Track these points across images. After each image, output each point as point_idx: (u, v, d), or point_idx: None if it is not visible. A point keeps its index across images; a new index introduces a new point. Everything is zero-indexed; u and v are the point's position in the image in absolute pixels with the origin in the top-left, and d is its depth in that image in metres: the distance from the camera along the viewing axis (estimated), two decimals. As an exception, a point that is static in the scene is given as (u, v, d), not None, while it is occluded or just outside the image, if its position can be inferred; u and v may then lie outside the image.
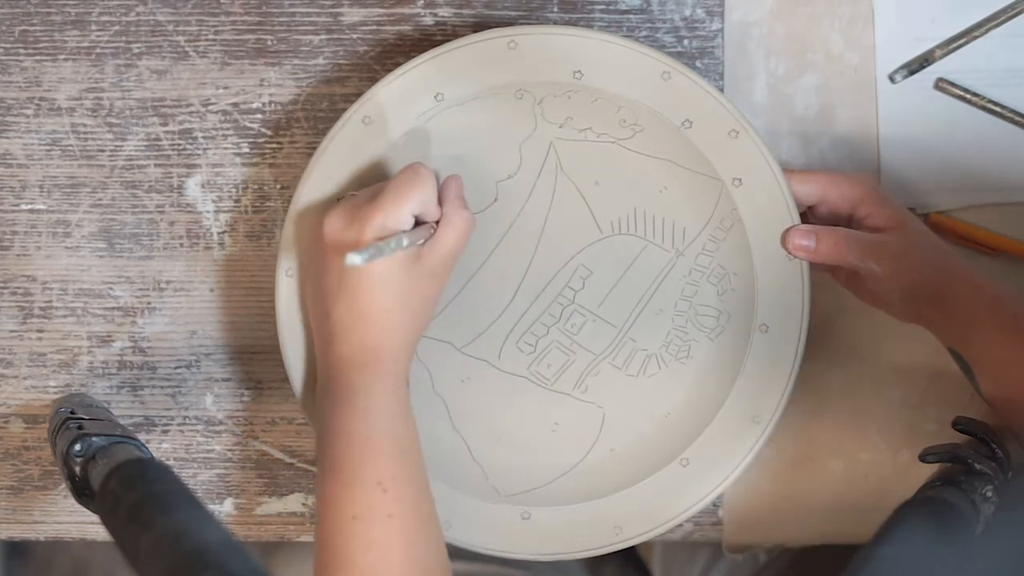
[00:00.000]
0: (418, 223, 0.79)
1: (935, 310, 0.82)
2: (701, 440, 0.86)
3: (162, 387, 0.91)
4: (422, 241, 0.78)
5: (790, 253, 0.83)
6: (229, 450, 0.92)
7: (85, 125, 0.90)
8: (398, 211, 0.77)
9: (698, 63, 0.90)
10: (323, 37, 0.90)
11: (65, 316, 0.91)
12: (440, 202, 0.80)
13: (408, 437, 0.79)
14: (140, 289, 0.91)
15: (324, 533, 0.76)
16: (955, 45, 0.90)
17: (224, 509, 0.92)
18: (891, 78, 0.90)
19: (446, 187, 0.81)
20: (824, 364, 0.90)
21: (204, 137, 0.90)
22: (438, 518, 0.79)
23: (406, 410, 0.79)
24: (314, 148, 0.85)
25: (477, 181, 0.86)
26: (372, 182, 0.84)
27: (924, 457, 0.86)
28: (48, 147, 0.90)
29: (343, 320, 0.78)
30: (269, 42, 0.90)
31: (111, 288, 0.91)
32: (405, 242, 0.76)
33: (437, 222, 0.80)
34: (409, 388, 0.80)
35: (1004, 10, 0.90)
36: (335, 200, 0.83)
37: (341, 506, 0.76)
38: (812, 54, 0.90)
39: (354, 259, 0.72)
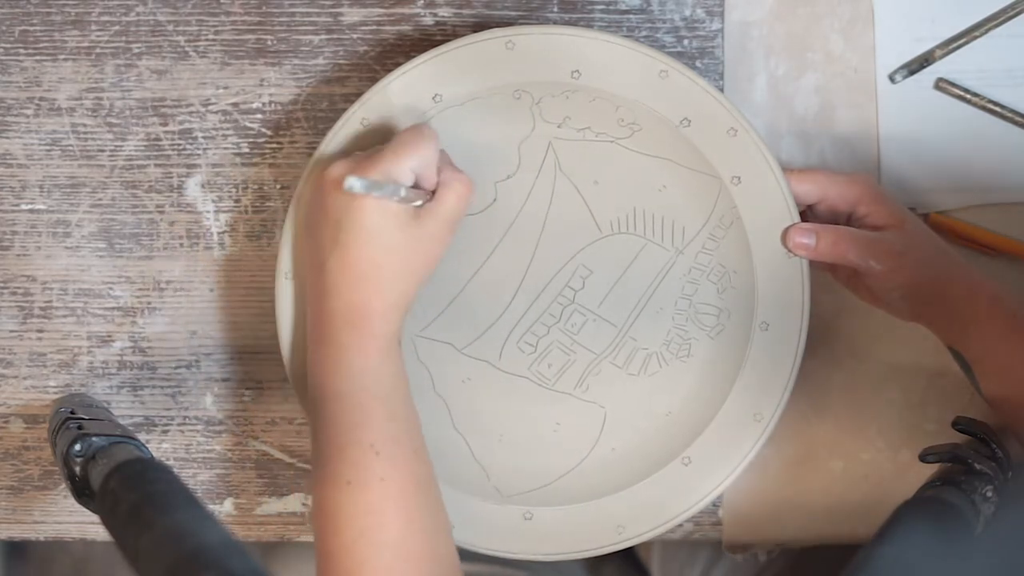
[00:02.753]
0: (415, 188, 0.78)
1: (935, 309, 0.82)
2: (702, 438, 0.86)
3: (162, 387, 0.91)
4: (419, 203, 0.78)
5: (790, 251, 0.83)
6: (229, 450, 0.92)
7: (85, 125, 0.90)
8: (399, 163, 0.76)
9: (698, 63, 0.90)
10: (323, 37, 0.90)
11: (65, 316, 0.91)
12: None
13: (400, 399, 0.78)
14: (140, 289, 0.91)
15: (319, 500, 0.76)
16: (955, 45, 0.90)
17: (224, 509, 0.92)
18: (891, 78, 0.90)
19: (441, 157, 0.80)
20: (824, 364, 0.90)
21: (204, 137, 0.90)
22: (436, 483, 0.78)
23: (398, 371, 0.78)
24: (314, 148, 0.85)
25: (476, 181, 0.85)
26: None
27: (924, 457, 0.86)
28: (48, 147, 0.90)
29: (334, 274, 0.77)
30: (269, 42, 0.90)
31: (111, 288, 0.91)
32: (403, 192, 0.75)
33: (433, 192, 0.79)
34: (401, 349, 0.79)
35: (1004, 10, 0.90)
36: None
37: (336, 470, 0.75)
38: (812, 54, 0.90)
39: (354, 183, 0.71)
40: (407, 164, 0.76)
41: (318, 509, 0.76)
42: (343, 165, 0.78)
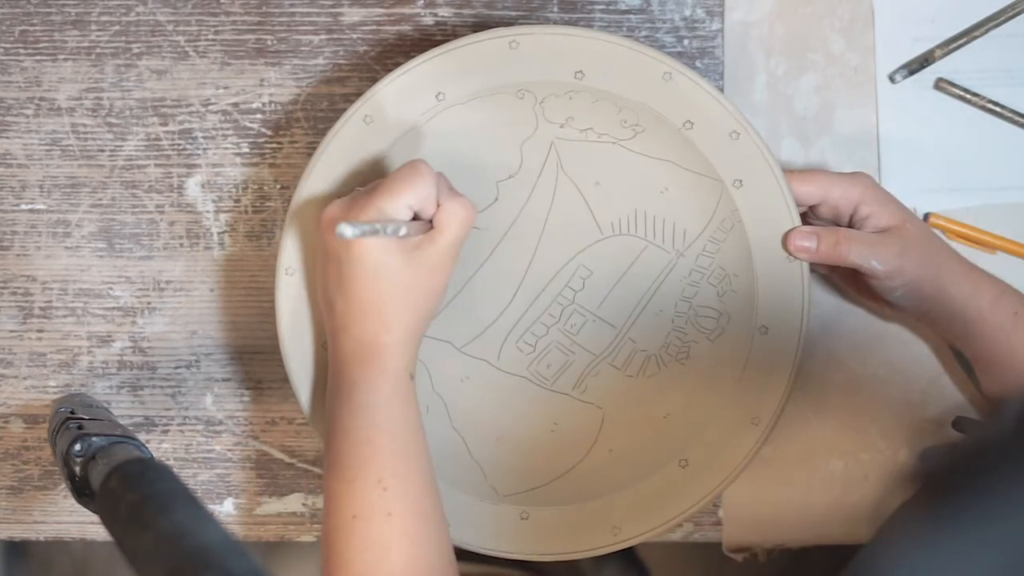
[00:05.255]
0: (415, 220, 0.78)
1: (936, 308, 0.82)
2: (700, 441, 0.86)
3: (162, 387, 0.91)
4: (418, 236, 0.78)
5: (791, 254, 0.83)
6: (229, 450, 0.92)
7: (85, 125, 0.90)
8: (395, 201, 0.76)
9: (698, 63, 0.90)
10: (323, 37, 0.90)
11: (65, 316, 0.91)
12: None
13: (410, 434, 0.78)
14: (140, 289, 0.91)
15: (327, 531, 0.77)
16: (955, 45, 0.90)
17: (224, 509, 0.92)
18: (891, 78, 0.90)
19: (439, 182, 0.80)
20: (824, 364, 0.90)
21: (204, 137, 0.90)
22: (443, 515, 0.79)
23: (408, 406, 0.79)
24: (314, 148, 0.85)
25: (478, 181, 0.86)
26: (372, 182, 0.84)
27: (924, 457, 0.86)
28: (48, 147, 0.90)
29: (342, 314, 0.78)
30: (269, 42, 0.90)
31: (111, 288, 0.91)
32: (402, 230, 0.75)
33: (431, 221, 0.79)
34: (415, 383, 0.80)
35: (1004, 10, 0.90)
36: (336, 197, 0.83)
37: (342, 504, 0.76)
38: (812, 54, 0.90)
39: (345, 229, 0.71)
40: (403, 201, 0.76)
41: (326, 541, 0.77)
42: (338, 206, 0.78)
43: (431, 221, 0.78)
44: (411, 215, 0.77)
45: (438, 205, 0.78)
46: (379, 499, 0.76)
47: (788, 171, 0.83)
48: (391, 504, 0.76)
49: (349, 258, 0.77)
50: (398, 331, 0.78)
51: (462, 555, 0.87)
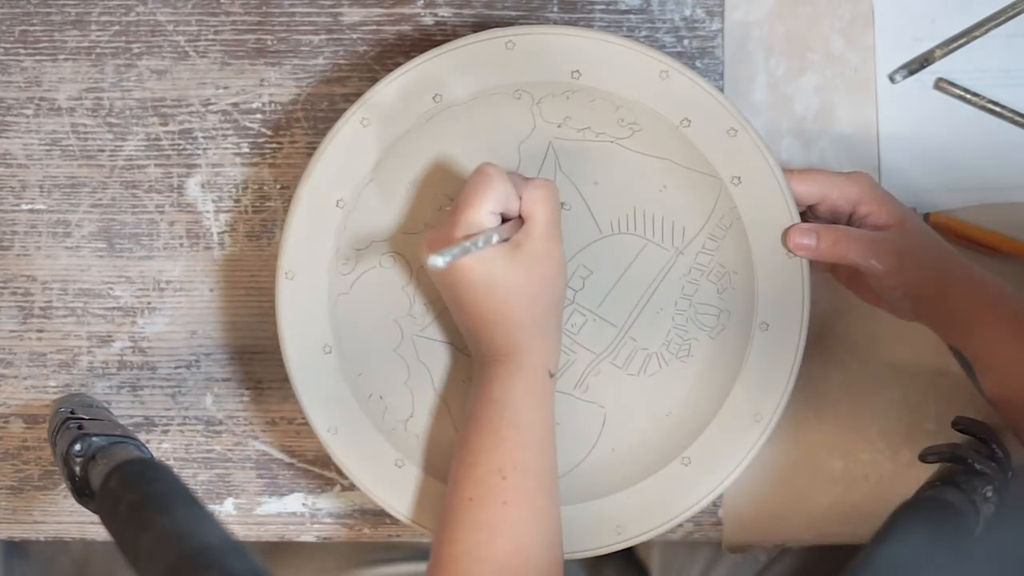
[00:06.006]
0: (504, 220, 0.79)
1: (936, 308, 0.82)
2: (702, 439, 0.85)
3: (162, 387, 0.91)
4: (508, 236, 0.78)
5: (791, 251, 0.83)
6: (229, 450, 0.92)
7: (85, 125, 0.90)
8: (477, 212, 0.76)
9: (698, 63, 0.90)
10: (323, 37, 0.90)
11: (65, 316, 0.91)
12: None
13: (538, 428, 0.79)
14: (140, 289, 0.91)
15: (443, 511, 0.79)
16: (955, 45, 0.90)
17: (224, 509, 0.92)
18: (891, 78, 0.90)
19: (513, 178, 0.80)
20: (824, 364, 0.90)
21: (204, 137, 0.90)
22: (558, 517, 0.80)
23: (541, 404, 0.80)
24: (314, 148, 0.84)
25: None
26: (372, 182, 0.84)
27: (924, 457, 0.86)
28: (48, 147, 0.90)
29: (471, 329, 0.80)
30: (269, 42, 0.90)
31: (111, 288, 0.91)
32: (495, 238, 0.76)
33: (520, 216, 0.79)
34: (553, 381, 0.81)
35: (1004, 10, 0.90)
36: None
37: (461, 486, 0.78)
38: (812, 54, 0.90)
39: (435, 260, 0.71)
40: (485, 209, 0.77)
41: (442, 519, 0.79)
42: (431, 233, 0.79)
43: (520, 217, 0.79)
44: (498, 219, 0.78)
45: (520, 198, 0.79)
46: (497, 486, 0.77)
47: (787, 170, 0.83)
48: (507, 494, 0.77)
49: (455, 281, 0.78)
50: (527, 330, 0.79)
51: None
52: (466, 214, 0.77)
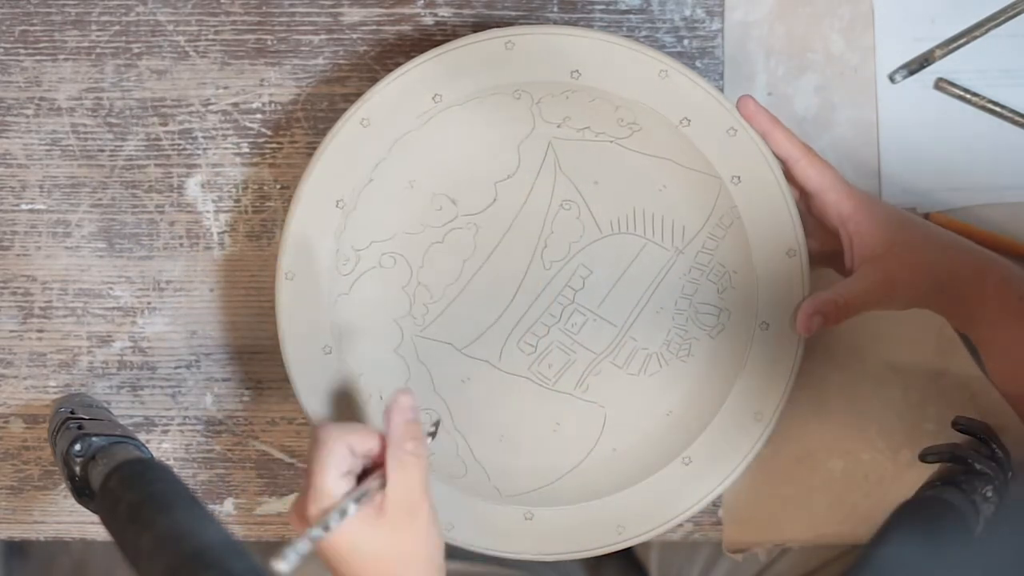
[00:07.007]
0: (368, 471, 0.74)
1: (942, 295, 0.81)
2: (703, 438, 0.85)
3: (162, 387, 0.91)
4: (377, 495, 0.73)
5: (802, 335, 0.83)
6: (229, 450, 0.92)
7: (85, 125, 0.90)
8: (324, 477, 0.72)
9: (698, 63, 0.90)
10: (323, 37, 0.90)
11: (65, 316, 0.91)
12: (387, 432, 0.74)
13: None
14: (140, 289, 0.91)
15: None
16: (955, 45, 0.90)
17: (224, 509, 0.92)
18: (891, 78, 0.90)
19: (390, 416, 0.74)
20: (824, 364, 0.90)
21: (204, 137, 0.90)
22: None
23: None
24: (314, 148, 0.85)
25: (476, 182, 0.86)
26: (371, 183, 0.84)
27: (924, 457, 0.86)
28: (48, 147, 0.90)
29: None
30: (269, 42, 0.90)
31: (111, 288, 0.91)
32: (351, 508, 0.71)
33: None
34: None
35: (1004, 10, 0.90)
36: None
37: None
38: (812, 54, 0.90)
39: (279, 566, 0.67)
40: (332, 474, 0.72)
41: None
42: (293, 504, 0.74)
43: (383, 475, 0.73)
44: (351, 480, 0.73)
45: (383, 438, 0.74)
46: None
47: (805, 144, 0.83)
48: None
49: (327, 557, 0.73)
50: None
51: (464, 555, 0.87)
52: (314, 482, 0.72)
